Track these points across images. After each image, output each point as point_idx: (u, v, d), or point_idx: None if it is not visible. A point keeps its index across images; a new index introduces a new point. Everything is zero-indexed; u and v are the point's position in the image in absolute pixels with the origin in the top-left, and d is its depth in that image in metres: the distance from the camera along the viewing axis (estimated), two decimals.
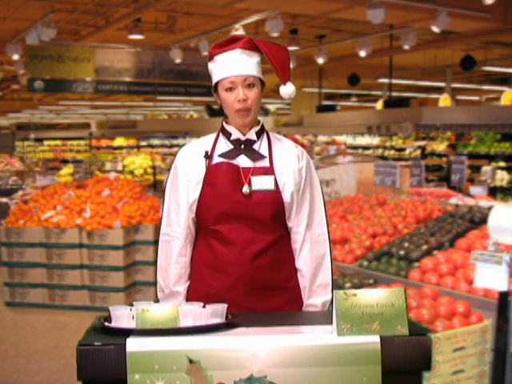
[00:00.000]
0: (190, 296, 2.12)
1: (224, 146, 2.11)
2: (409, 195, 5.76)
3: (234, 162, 2.08)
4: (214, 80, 2.08)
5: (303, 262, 2.12)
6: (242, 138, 2.10)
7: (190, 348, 1.52)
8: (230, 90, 2.03)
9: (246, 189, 2.04)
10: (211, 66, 2.09)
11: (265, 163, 2.09)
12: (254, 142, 2.11)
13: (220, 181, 2.05)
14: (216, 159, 2.09)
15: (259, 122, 2.14)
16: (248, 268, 2.03)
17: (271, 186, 2.05)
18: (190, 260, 2.15)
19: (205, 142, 2.15)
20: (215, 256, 2.07)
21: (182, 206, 2.10)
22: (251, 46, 2.05)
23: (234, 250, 2.03)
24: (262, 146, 2.11)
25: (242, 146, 2.10)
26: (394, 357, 1.54)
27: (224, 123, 2.14)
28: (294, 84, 2.11)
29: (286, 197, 2.07)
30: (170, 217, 2.13)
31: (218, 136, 2.15)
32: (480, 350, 2.82)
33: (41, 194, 7.02)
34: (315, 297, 2.12)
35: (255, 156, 2.09)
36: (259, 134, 2.12)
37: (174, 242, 2.12)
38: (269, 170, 2.08)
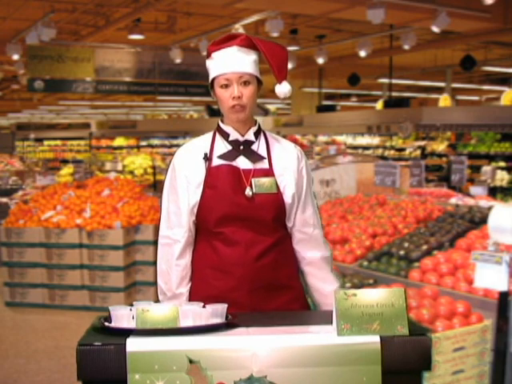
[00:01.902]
0: (193, 297, 2.10)
1: (222, 146, 2.10)
2: (409, 195, 5.76)
3: (234, 163, 2.07)
4: (211, 77, 2.08)
5: (311, 259, 2.15)
6: (241, 138, 2.09)
7: (190, 348, 1.51)
8: (226, 86, 2.03)
9: (248, 191, 2.03)
10: (208, 63, 2.09)
11: (264, 165, 2.09)
12: (253, 142, 2.10)
13: (221, 183, 2.04)
14: (215, 161, 2.08)
15: (256, 121, 2.14)
16: (251, 268, 2.03)
17: (273, 189, 2.05)
18: (192, 262, 2.14)
19: (202, 143, 2.13)
20: (218, 257, 2.07)
21: (182, 209, 2.09)
22: (248, 43, 2.04)
23: (238, 250, 2.03)
24: (260, 147, 2.11)
25: (241, 147, 2.09)
26: (394, 357, 1.54)
27: (220, 123, 2.13)
28: (290, 83, 2.10)
29: (287, 198, 2.07)
30: (171, 219, 2.12)
31: (214, 136, 2.14)
32: (480, 350, 2.82)
33: (41, 194, 7.01)
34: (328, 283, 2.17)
35: (254, 157, 2.08)
36: (257, 135, 2.12)
37: (175, 245, 2.11)
38: (269, 172, 2.07)
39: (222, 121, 2.13)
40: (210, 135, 2.15)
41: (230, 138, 2.10)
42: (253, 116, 2.12)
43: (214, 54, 2.06)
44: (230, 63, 2.02)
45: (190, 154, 2.12)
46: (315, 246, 2.15)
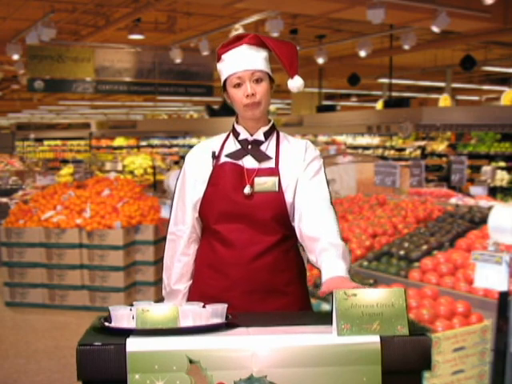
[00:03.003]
0: (191, 295, 2.13)
1: (232, 146, 2.11)
2: (409, 195, 5.76)
3: (240, 162, 2.07)
4: (223, 78, 2.07)
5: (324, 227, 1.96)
6: (250, 138, 2.09)
7: (190, 348, 1.51)
8: (238, 86, 2.02)
9: (247, 189, 2.02)
10: (219, 66, 2.09)
11: (270, 164, 2.07)
12: (262, 142, 2.09)
13: (223, 181, 2.05)
14: (223, 159, 2.09)
15: (269, 121, 2.13)
16: (246, 270, 2.02)
17: (273, 187, 2.03)
18: (194, 259, 2.16)
19: (214, 142, 2.15)
20: (216, 256, 2.07)
21: (187, 206, 2.11)
22: (257, 41, 2.04)
23: (232, 251, 2.03)
24: (269, 147, 2.10)
25: (249, 147, 2.09)
26: (394, 357, 1.54)
27: (235, 123, 2.14)
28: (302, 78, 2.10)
29: (289, 198, 2.04)
30: (177, 216, 2.15)
31: (228, 136, 2.15)
32: (480, 350, 2.82)
33: (41, 194, 7.02)
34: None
35: (261, 157, 2.07)
36: (268, 135, 2.11)
37: (178, 241, 2.14)
38: (273, 171, 2.06)
39: (237, 121, 2.13)
40: (224, 135, 2.17)
41: (240, 138, 2.10)
42: (267, 115, 2.11)
43: (224, 56, 2.06)
44: (241, 61, 2.01)
45: (200, 152, 2.15)
46: (324, 225, 1.95)
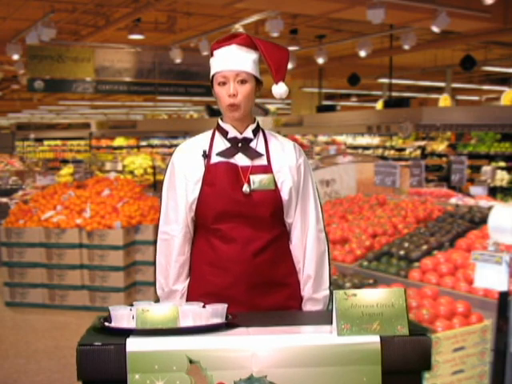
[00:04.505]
0: (191, 294, 2.12)
1: (221, 144, 2.12)
2: (409, 195, 5.76)
3: (232, 160, 2.09)
4: (211, 74, 2.10)
5: (309, 258, 2.13)
6: (239, 136, 2.11)
7: (190, 348, 1.52)
8: (223, 84, 2.04)
9: (246, 188, 2.05)
10: (211, 61, 2.12)
11: (262, 161, 2.10)
12: (251, 140, 2.12)
13: (219, 180, 2.06)
14: (214, 158, 2.10)
15: (255, 119, 2.15)
16: (249, 265, 2.04)
17: (271, 185, 2.07)
18: (190, 258, 2.16)
19: (202, 141, 2.16)
20: (216, 254, 2.08)
21: (180, 205, 2.11)
22: (248, 42, 2.06)
23: (234, 247, 2.05)
24: (258, 144, 2.13)
25: (240, 145, 2.11)
26: (394, 357, 1.54)
27: (220, 121, 2.15)
28: (288, 84, 2.12)
29: (285, 195, 2.09)
30: (169, 216, 2.14)
31: (214, 134, 2.16)
32: (480, 350, 2.82)
33: (41, 194, 7.02)
34: (317, 292, 2.13)
35: (253, 154, 2.10)
36: (255, 133, 2.13)
37: (173, 241, 2.13)
38: (267, 169, 2.09)
39: (222, 119, 2.15)
40: (209, 133, 2.17)
41: (229, 136, 2.12)
42: (251, 114, 2.14)
43: (215, 52, 2.09)
44: (228, 61, 2.04)
45: (189, 151, 2.14)
46: (310, 246, 2.13)
